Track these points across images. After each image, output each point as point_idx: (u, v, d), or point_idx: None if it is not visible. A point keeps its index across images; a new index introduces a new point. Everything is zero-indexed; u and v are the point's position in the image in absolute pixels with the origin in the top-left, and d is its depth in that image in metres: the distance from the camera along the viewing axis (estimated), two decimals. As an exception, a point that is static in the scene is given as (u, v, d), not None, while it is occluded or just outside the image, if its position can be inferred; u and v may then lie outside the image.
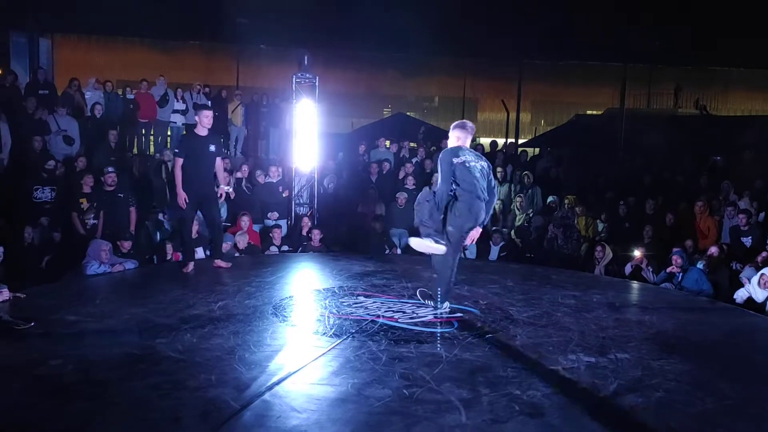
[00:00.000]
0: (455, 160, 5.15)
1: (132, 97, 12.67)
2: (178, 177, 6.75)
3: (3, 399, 3.59)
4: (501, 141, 18.46)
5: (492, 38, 18.79)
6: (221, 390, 3.72)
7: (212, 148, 6.92)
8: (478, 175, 5.17)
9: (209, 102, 13.27)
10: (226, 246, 8.14)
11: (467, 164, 5.15)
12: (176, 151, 7.02)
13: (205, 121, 6.87)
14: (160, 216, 8.85)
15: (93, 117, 11.06)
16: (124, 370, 4.03)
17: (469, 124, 5.51)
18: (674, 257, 7.50)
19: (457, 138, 5.36)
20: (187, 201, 6.77)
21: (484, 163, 5.34)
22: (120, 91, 13.30)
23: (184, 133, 12.32)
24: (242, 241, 8.40)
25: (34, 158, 9.02)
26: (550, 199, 10.61)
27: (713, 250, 7.94)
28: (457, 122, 5.54)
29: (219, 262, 7.19)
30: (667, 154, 14.76)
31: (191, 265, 6.94)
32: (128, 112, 12.22)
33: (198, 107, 7.45)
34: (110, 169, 8.62)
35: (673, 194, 10.94)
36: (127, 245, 7.57)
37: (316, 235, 8.83)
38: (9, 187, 8.52)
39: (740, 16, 18.52)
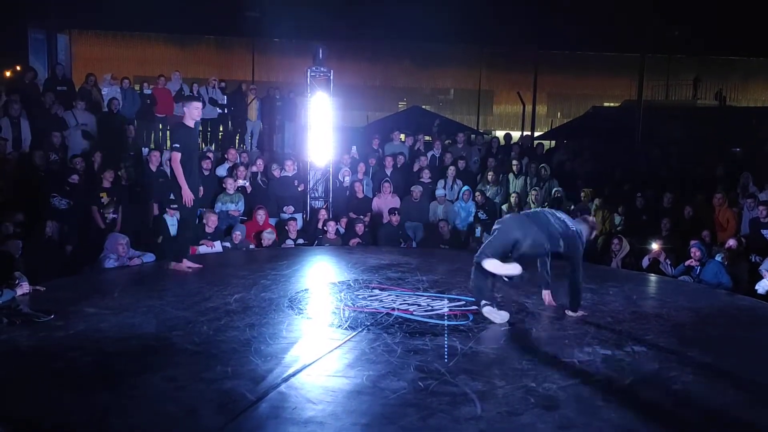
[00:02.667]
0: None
1: (149, 92, 12.76)
2: (181, 173, 6.31)
3: (22, 390, 3.65)
4: (517, 134, 18.37)
5: (508, 27, 18.67)
6: (237, 382, 3.75)
7: (198, 140, 6.57)
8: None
9: (225, 98, 13.36)
10: (236, 236, 8.19)
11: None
12: (176, 146, 6.39)
13: (195, 113, 6.47)
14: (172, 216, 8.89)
15: (110, 112, 11.16)
16: (141, 362, 4.07)
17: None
18: (693, 249, 7.41)
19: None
20: (192, 198, 6.40)
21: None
22: (137, 87, 13.40)
23: (161, 126, 12.28)
24: (269, 238, 8.45)
25: (54, 162, 9.02)
26: (554, 189, 10.52)
27: (732, 242, 7.84)
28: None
29: (186, 263, 6.69)
30: (685, 146, 14.60)
31: (182, 265, 6.59)
32: (145, 108, 12.30)
33: (187, 98, 7.04)
34: (127, 163, 8.68)
35: (692, 186, 10.81)
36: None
37: (332, 227, 8.85)
38: (29, 184, 8.60)
39: (761, 6, 18.22)
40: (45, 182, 8.35)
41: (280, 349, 4.35)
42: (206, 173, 9.23)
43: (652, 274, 7.49)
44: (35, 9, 16.52)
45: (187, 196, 6.35)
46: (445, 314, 5.23)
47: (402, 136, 12.70)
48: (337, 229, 9.00)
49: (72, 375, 3.87)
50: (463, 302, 5.60)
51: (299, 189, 9.88)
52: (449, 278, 6.56)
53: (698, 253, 7.35)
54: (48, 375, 3.86)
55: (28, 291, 5.48)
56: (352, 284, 6.21)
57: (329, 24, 17.56)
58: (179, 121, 6.70)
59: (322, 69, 9.96)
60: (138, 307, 5.25)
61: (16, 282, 5.45)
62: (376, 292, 5.93)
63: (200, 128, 13.26)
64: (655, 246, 8.09)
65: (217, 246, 7.99)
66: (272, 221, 9.16)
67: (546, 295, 5.63)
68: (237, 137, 13.56)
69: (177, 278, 6.35)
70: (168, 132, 12.68)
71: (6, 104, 9.76)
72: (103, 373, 3.89)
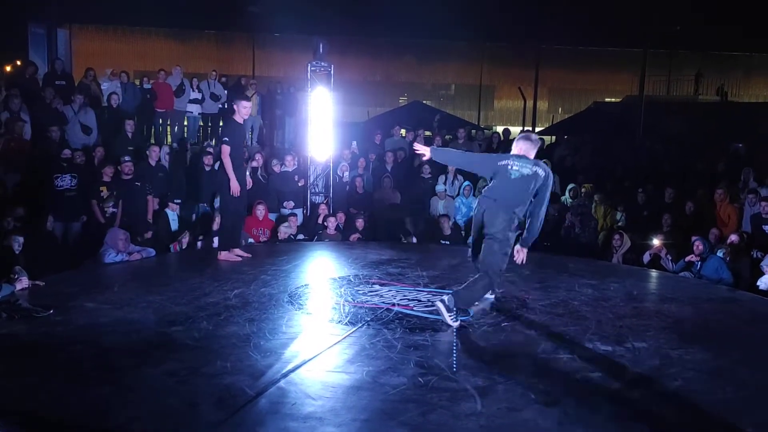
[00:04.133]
0: (499, 163, 4.98)
1: (149, 86, 12.73)
2: (230, 165, 6.67)
3: (23, 385, 3.64)
4: (517, 129, 18.34)
5: (510, 23, 18.62)
6: (237, 377, 3.74)
7: (247, 136, 7.04)
8: (512, 178, 4.84)
9: (226, 91, 13.33)
10: None
11: (508, 167, 4.88)
12: (225, 139, 6.77)
13: (243, 112, 6.88)
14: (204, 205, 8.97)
15: (110, 107, 11.13)
16: (141, 356, 4.07)
17: (534, 136, 5.25)
18: (696, 243, 7.39)
19: (519, 149, 5.04)
20: (239, 189, 6.76)
21: (537, 169, 4.88)
22: (137, 81, 13.37)
23: (211, 121, 12.39)
24: (285, 231, 8.49)
25: (54, 148, 9.12)
26: (569, 186, 10.49)
27: (734, 238, 7.82)
28: (521, 135, 5.30)
29: (238, 251, 7.08)
30: (687, 142, 14.58)
31: (227, 254, 6.91)
32: (145, 102, 12.28)
33: (237, 97, 7.44)
34: (127, 158, 8.69)
35: (693, 182, 10.79)
36: (147, 235, 7.63)
37: (332, 223, 8.83)
38: (31, 177, 8.64)
39: (762, 1, 18.16)
40: (46, 166, 8.40)
41: (280, 345, 4.34)
42: (207, 169, 9.22)
43: (653, 270, 7.47)
44: (35, 4, 16.48)
45: (235, 187, 6.70)
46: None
47: (402, 131, 12.66)
48: (337, 224, 8.99)
49: (72, 369, 3.87)
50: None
51: (299, 184, 9.86)
52: (450, 274, 6.54)
53: (701, 247, 7.32)
54: (48, 369, 3.86)
55: (27, 286, 5.47)
56: (352, 280, 6.20)
57: (330, 19, 17.50)
58: (231, 117, 7.08)
59: (322, 64, 9.92)
60: (138, 302, 5.24)
61: (15, 276, 5.45)
62: (377, 287, 5.91)
63: (200, 123, 13.32)
64: (656, 241, 8.07)
65: (216, 242, 7.98)
66: (272, 216, 9.15)
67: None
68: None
69: (177, 273, 6.35)
70: (168, 126, 12.70)
71: (6, 99, 9.75)
72: (103, 368, 3.88)
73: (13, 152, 8.86)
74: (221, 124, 12.50)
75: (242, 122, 6.99)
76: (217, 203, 8.80)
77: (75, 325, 4.65)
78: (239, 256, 6.99)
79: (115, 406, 3.37)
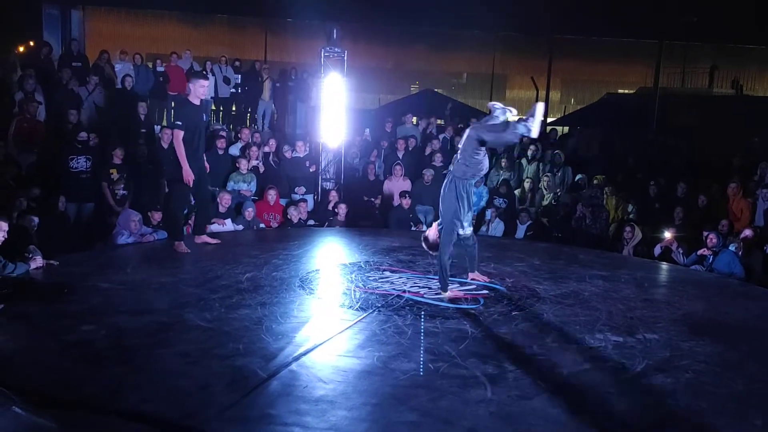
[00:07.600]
0: None
1: (162, 69, 12.73)
2: (182, 151, 6.13)
3: (36, 363, 3.69)
4: (530, 119, 18.21)
5: (523, 12, 18.45)
6: (249, 359, 3.77)
7: (204, 117, 6.34)
8: None
9: (239, 76, 13.32)
10: (249, 213, 8.18)
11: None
12: (178, 123, 6.18)
13: (200, 92, 6.34)
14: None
15: (123, 89, 11.15)
16: (153, 337, 4.11)
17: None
18: (710, 236, 7.35)
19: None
20: (193, 178, 6.22)
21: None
22: (150, 64, 13.38)
23: (173, 104, 12.16)
24: (295, 215, 8.53)
25: (69, 130, 9.16)
26: (578, 177, 10.46)
27: (747, 232, 7.76)
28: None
29: (205, 238, 6.73)
30: (701, 135, 14.44)
31: (183, 245, 6.45)
32: (158, 85, 12.28)
33: (193, 75, 6.87)
34: (140, 141, 8.69)
35: (706, 175, 10.70)
36: (157, 216, 7.64)
37: (342, 209, 8.84)
38: (46, 158, 8.69)
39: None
40: (61, 147, 8.44)
41: (291, 328, 4.37)
42: (221, 152, 9.21)
43: (664, 263, 7.45)
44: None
45: (188, 175, 6.19)
46: (467, 298, 5.24)
47: (414, 119, 12.62)
48: (347, 211, 8.99)
49: (85, 349, 3.91)
50: (474, 286, 5.59)
51: (311, 170, 9.86)
52: (460, 262, 6.52)
53: (715, 240, 7.28)
54: (62, 348, 3.90)
55: (41, 265, 5.53)
56: (362, 266, 6.22)
57: (343, 5, 17.40)
58: (184, 98, 6.53)
59: (336, 49, 9.89)
60: (151, 284, 5.29)
61: (30, 256, 5.50)
62: (387, 274, 5.93)
63: (212, 107, 13.26)
64: (667, 234, 8.03)
65: (228, 224, 8.01)
66: (283, 201, 9.17)
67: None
68: (248, 117, 13.55)
69: (189, 256, 6.38)
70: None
71: (21, 79, 9.78)
72: (115, 348, 3.93)
73: (28, 132, 8.91)
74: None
75: (198, 103, 6.34)
76: (230, 186, 8.83)
77: (88, 305, 4.70)
78: (207, 242, 6.74)
79: (127, 387, 3.40)
